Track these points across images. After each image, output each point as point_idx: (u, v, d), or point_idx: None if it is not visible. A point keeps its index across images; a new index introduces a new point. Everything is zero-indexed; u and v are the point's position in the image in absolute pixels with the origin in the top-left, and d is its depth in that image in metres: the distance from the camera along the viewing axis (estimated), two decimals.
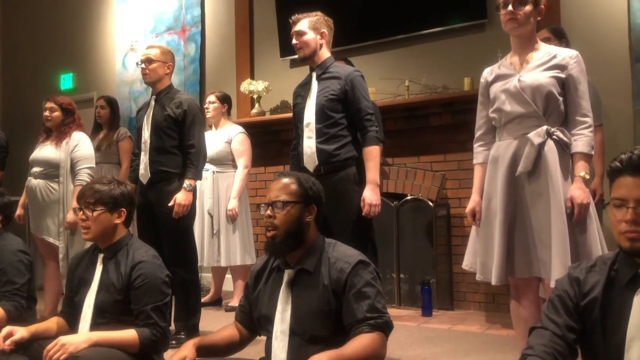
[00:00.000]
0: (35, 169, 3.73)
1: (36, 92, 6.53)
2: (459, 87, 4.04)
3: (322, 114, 2.76)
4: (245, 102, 5.07)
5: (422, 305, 3.90)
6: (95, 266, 2.22)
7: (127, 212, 2.24)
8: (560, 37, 3.13)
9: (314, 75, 2.86)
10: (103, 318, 2.14)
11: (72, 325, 2.23)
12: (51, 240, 3.68)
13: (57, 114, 3.77)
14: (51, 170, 3.69)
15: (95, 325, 2.13)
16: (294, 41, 2.86)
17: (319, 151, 2.74)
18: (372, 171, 2.71)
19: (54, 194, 3.66)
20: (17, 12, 6.88)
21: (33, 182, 3.72)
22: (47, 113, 3.78)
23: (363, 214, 2.67)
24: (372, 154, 2.73)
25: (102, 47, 6.22)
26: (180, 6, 5.60)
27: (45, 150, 3.74)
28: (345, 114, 2.76)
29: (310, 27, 2.83)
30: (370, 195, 2.67)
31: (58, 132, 3.76)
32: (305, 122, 2.81)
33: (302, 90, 2.93)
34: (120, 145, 4.67)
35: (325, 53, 2.87)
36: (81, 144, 3.73)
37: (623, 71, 3.58)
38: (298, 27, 2.84)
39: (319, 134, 2.75)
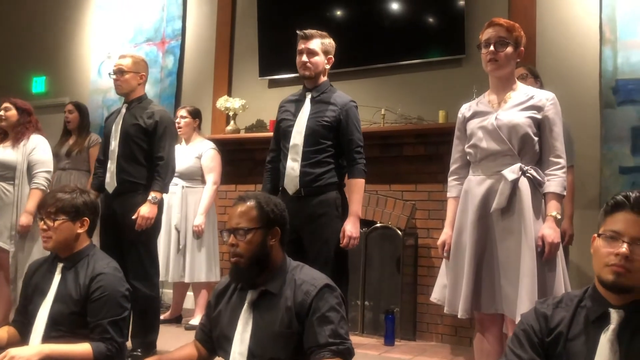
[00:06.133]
0: None
1: (5, 93, 6.34)
2: (433, 119, 4.10)
3: (312, 139, 2.73)
4: (221, 119, 5.04)
5: (385, 334, 3.88)
6: (54, 275, 2.15)
7: (90, 222, 2.19)
8: (535, 77, 3.22)
9: (309, 96, 2.82)
10: (57, 331, 2.06)
11: (23, 336, 2.15)
12: (1, 244, 3.55)
13: (11, 112, 3.69)
14: (6, 172, 3.58)
15: (47, 338, 2.05)
16: (304, 58, 2.78)
17: (303, 174, 2.71)
18: (356, 204, 2.72)
19: (8, 196, 3.56)
20: None
21: None
22: (1, 112, 3.71)
23: (342, 245, 2.66)
24: (358, 186, 2.74)
25: (78, 53, 6.13)
26: (162, 18, 5.58)
27: (1, 152, 3.64)
28: (334, 142, 2.75)
29: (322, 49, 2.79)
30: (352, 228, 2.67)
31: (14, 132, 3.67)
32: (291, 144, 2.76)
33: (291, 107, 2.87)
34: (91, 152, 4.58)
35: (324, 77, 2.86)
36: (39, 147, 3.65)
37: (593, 116, 3.67)
38: (311, 45, 2.78)
39: (305, 157, 2.72)
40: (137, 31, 5.72)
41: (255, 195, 1.90)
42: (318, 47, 2.79)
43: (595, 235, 1.47)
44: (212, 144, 4.27)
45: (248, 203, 1.85)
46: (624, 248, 1.37)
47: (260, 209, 1.84)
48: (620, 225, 1.40)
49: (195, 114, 4.32)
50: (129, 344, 2.94)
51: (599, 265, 1.42)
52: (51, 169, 3.70)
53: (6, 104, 3.72)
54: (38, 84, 6.35)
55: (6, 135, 3.72)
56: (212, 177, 4.15)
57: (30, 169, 3.59)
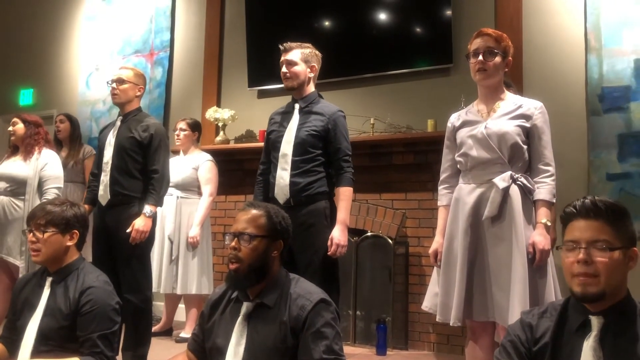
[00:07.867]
0: (0, 185, 3.59)
1: None
2: (422, 128, 4.12)
3: (301, 148, 2.75)
4: (210, 129, 5.04)
5: (376, 343, 3.87)
6: (43, 290, 2.13)
7: (79, 235, 2.18)
8: (508, 86, 3.24)
9: (297, 107, 2.85)
10: (46, 345, 2.04)
11: (11, 352, 2.12)
12: (10, 259, 3.51)
13: (18, 126, 3.70)
14: (17, 187, 3.56)
15: (37, 353, 2.02)
16: (283, 69, 2.82)
17: (292, 184, 2.72)
18: (344, 211, 2.72)
19: (18, 211, 3.53)
20: None
21: None
22: (10, 128, 3.74)
23: (329, 253, 2.65)
24: (346, 194, 2.74)
25: (66, 65, 6.10)
26: (150, 30, 5.58)
27: (11, 166, 3.62)
28: (323, 151, 2.77)
29: (301, 58, 2.82)
30: (339, 236, 2.67)
31: (24, 146, 3.66)
32: (281, 153, 2.78)
33: (280, 118, 2.90)
34: (86, 164, 4.55)
35: (311, 87, 2.88)
36: (51, 163, 3.64)
37: (579, 123, 3.72)
38: (289, 56, 2.82)
39: (295, 166, 2.74)
40: (125, 43, 5.71)
41: (265, 204, 1.92)
42: (297, 57, 2.82)
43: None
44: (209, 156, 4.28)
45: (257, 210, 1.85)
46: (581, 254, 1.42)
47: (270, 218, 1.84)
48: (575, 234, 1.46)
49: (195, 127, 4.34)
50: (119, 357, 2.91)
51: (568, 277, 1.47)
52: (62, 184, 3.68)
53: (14, 119, 3.76)
54: (26, 96, 6.30)
55: (17, 149, 3.72)
56: (208, 188, 4.15)
57: (41, 185, 3.57)
